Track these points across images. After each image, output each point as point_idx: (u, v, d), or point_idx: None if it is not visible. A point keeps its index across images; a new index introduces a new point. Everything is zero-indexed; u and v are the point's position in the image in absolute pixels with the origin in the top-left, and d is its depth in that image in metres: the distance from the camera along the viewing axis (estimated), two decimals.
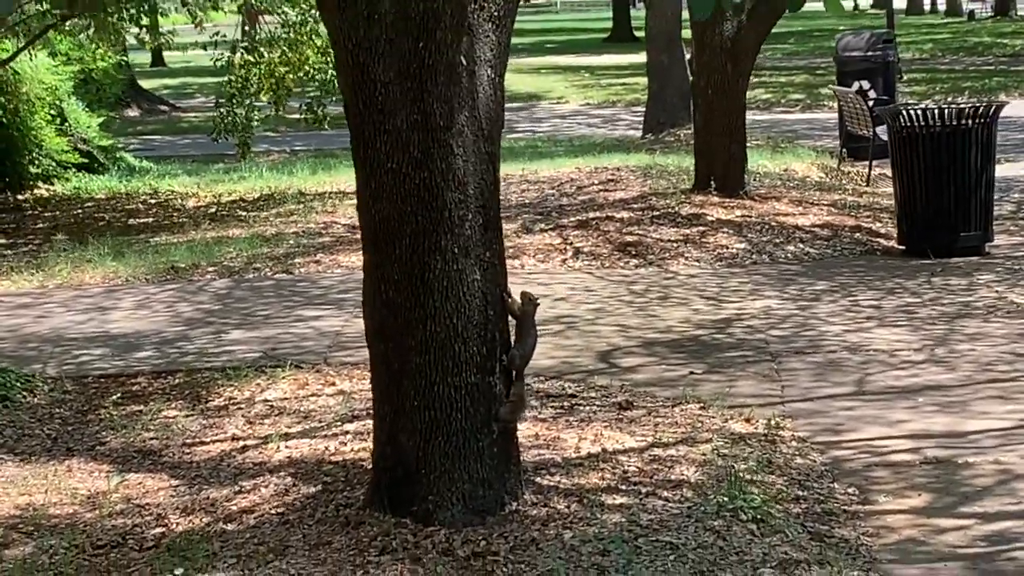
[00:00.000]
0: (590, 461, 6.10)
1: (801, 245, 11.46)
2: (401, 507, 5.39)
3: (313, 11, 15.34)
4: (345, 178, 15.34)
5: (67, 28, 16.39)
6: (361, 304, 5.68)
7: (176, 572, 5.15)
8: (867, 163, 15.35)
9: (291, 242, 12.38)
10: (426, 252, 5.27)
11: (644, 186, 13.90)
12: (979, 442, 6.57)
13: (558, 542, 5.18)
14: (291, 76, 16.32)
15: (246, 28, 19.95)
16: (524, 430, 6.40)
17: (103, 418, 7.40)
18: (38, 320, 9.89)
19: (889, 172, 12.31)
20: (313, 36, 15.87)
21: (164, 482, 6.26)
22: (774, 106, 25.35)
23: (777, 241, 11.52)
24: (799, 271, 10.74)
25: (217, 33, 16.80)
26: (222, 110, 16.66)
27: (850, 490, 6.00)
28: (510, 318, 5.53)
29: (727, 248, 11.31)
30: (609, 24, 47.91)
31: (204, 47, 16.59)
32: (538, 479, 5.80)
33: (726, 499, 5.60)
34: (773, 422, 6.83)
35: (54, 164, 17.38)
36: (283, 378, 7.88)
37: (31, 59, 16.80)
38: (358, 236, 6.15)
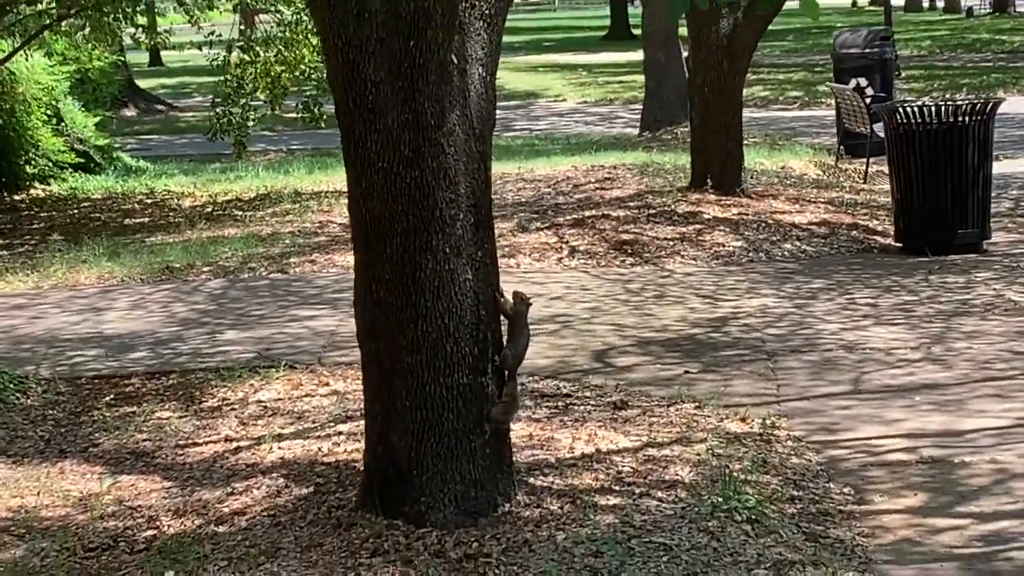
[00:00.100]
0: (584, 461, 6.06)
1: (798, 243, 11.43)
2: (393, 508, 5.36)
3: (308, 10, 15.30)
4: (341, 177, 15.14)
5: (63, 28, 16.38)
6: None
7: (167, 575, 5.12)
8: (865, 160, 15.32)
9: (287, 241, 12.35)
10: (417, 251, 5.24)
11: (640, 184, 13.87)
12: (976, 441, 6.54)
13: (551, 543, 5.14)
14: (287, 75, 16.29)
15: (242, 28, 19.92)
16: (518, 430, 6.38)
17: (96, 419, 7.38)
18: (32, 321, 9.86)
19: (887, 169, 12.27)
20: (309, 35, 15.82)
21: (156, 484, 6.23)
22: (772, 103, 25.32)
23: (774, 239, 11.49)
24: (796, 269, 10.71)
25: (212, 32, 16.77)
26: (218, 110, 16.63)
27: (846, 490, 5.96)
28: (502, 318, 5.50)
29: (723, 246, 11.28)
30: (607, 22, 47.88)
31: (199, 47, 16.55)
32: (531, 480, 5.77)
33: (720, 500, 5.56)
34: (769, 421, 6.80)
35: (50, 164, 17.36)
36: (277, 378, 7.85)
37: (27, 59, 16.78)
38: None
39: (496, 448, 5.45)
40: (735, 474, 5.90)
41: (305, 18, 15.85)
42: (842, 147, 16.71)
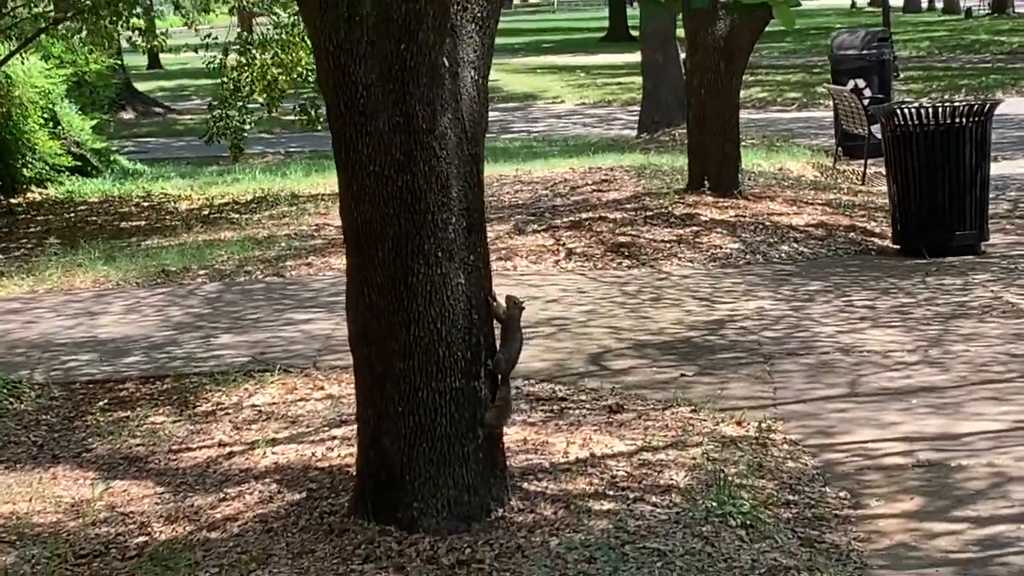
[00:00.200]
0: (578, 466, 6.03)
1: (795, 245, 11.40)
2: (385, 513, 5.33)
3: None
4: None
5: (60, 31, 16.36)
6: None
7: None
8: (863, 162, 15.29)
9: (283, 245, 12.32)
10: (409, 255, 5.21)
11: (638, 186, 13.84)
12: (972, 444, 6.51)
13: (544, 549, 5.11)
14: (284, 78, 16.27)
15: (240, 31, 19.89)
16: (512, 434, 6.35)
17: (90, 424, 7.34)
18: (27, 325, 9.82)
19: (884, 171, 12.23)
20: (305, 37, 15.78)
21: (149, 489, 6.20)
22: (770, 105, 25.30)
23: (771, 241, 11.46)
24: (793, 271, 10.68)
25: (209, 35, 16.74)
26: (215, 113, 16.61)
27: (841, 494, 5.93)
28: (495, 322, 5.47)
29: (720, 248, 11.25)
30: (605, 23, 47.85)
31: (196, 49, 16.54)
32: (525, 484, 5.73)
33: (715, 504, 5.53)
34: (765, 425, 6.77)
35: (47, 167, 17.33)
36: (272, 383, 7.82)
37: (23, 63, 16.75)
38: None
39: (489, 453, 5.42)
40: (730, 478, 5.87)
41: (301, 21, 15.83)
42: (840, 148, 16.67)
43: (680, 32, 17.03)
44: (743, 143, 14.15)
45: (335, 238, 12.27)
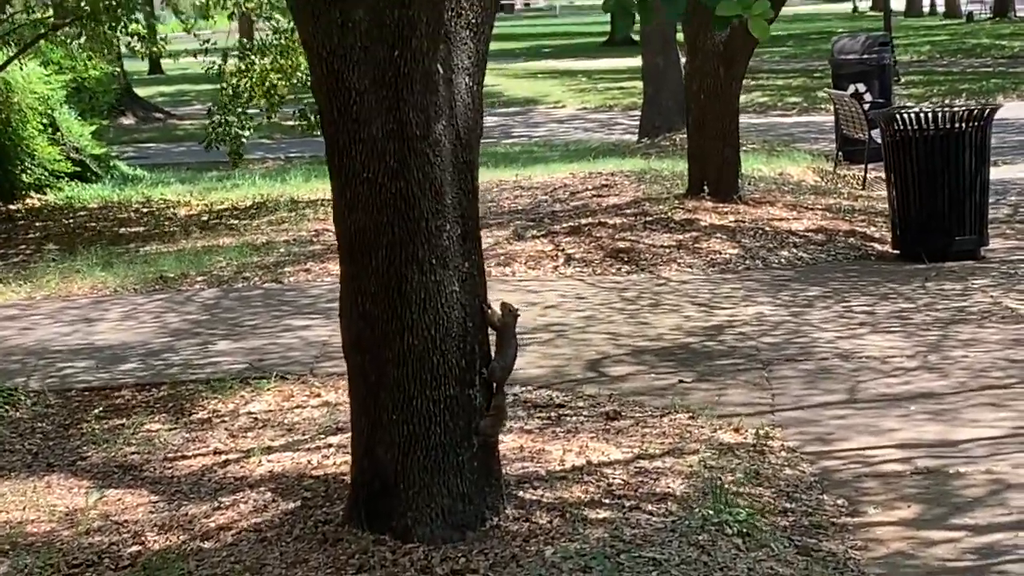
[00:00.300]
0: (574, 474, 6.00)
1: (794, 250, 11.37)
2: (379, 522, 5.30)
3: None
4: None
5: (59, 37, 16.34)
6: None
7: None
8: (863, 166, 15.25)
9: (281, 250, 12.29)
10: (403, 263, 5.18)
11: (638, 191, 13.80)
12: (970, 451, 6.47)
13: (539, 559, 5.07)
14: (283, 83, 16.26)
15: (240, 37, 19.89)
16: (509, 442, 6.32)
17: (85, 432, 7.31)
18: (23, 332, 9.80)
19: (884, 176, 12.20)
20: None
21: (143, 498, 6.17)
22: (771, 109, 25.27)
23: (770, 246, 11.43)
24: (792, 277, 10.64)
25: (208, 40, 16.73)
26: (214, 119, 16.59)
27: (839, 502, 5.90)
28: (490, 329, 5.44)
29: (720, 254, 11.21)
30: (608, 28, 47.80)
31: (195, 54, 16.52)
32: (520, 493, 5.70)
33: (711, 512, 5.49)
34: (762, 432, 6.74)
35: (46, 173, 17.32)
36: (268, 390, 7.79)
37: (23, 68, 16.74)
38: None
39: (484, 461, 5.39)
40: (727, 486, 5.83)
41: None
42: (840, 153, 16.64)
43: (681, 36, 17.03)
44: (743, 148, 14.11)
45: (334, 244, 12.11)
